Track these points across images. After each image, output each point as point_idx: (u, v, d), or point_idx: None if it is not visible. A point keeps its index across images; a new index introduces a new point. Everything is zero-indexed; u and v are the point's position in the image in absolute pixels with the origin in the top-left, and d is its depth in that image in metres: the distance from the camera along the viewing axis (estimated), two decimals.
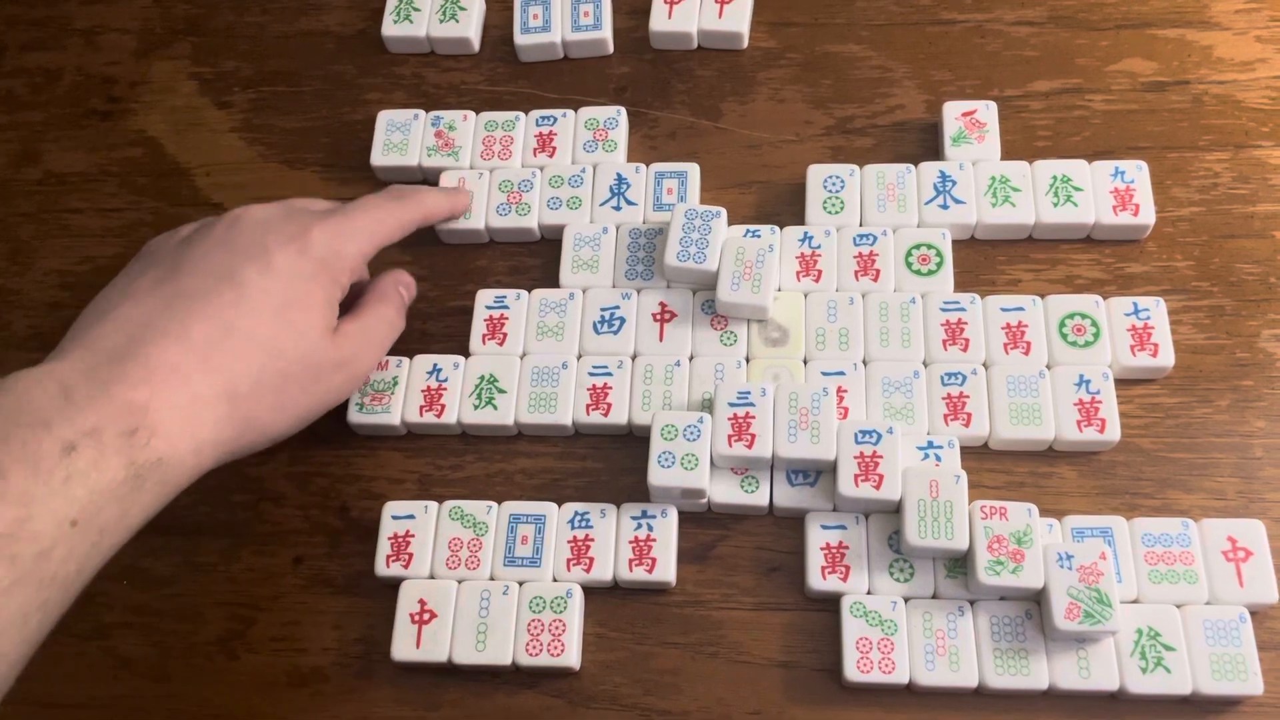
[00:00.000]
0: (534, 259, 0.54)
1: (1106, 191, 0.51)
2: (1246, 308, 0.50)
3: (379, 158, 0.56)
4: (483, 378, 0.50)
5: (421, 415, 0.50)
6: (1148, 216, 0.51)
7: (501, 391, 0.49)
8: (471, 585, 0.46)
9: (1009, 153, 0.54)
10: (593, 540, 0.47)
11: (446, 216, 0.53)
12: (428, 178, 0.56)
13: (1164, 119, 0.54)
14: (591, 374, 0.50)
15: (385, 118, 0.57)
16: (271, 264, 0.43)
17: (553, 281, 0.53)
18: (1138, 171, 0.51)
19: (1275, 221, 0.52)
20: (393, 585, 0.47)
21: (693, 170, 0.54)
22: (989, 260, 0.52)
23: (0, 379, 0.38)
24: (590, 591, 0.47)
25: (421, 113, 0.57)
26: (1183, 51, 0.56)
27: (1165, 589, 0.44)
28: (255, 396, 0.42)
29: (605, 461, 0.50)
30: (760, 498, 0.47)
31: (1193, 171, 0.53)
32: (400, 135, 0.56)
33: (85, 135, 0.60)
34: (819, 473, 0.47)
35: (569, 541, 0.47)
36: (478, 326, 0.51)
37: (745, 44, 0.58)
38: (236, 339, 0.42)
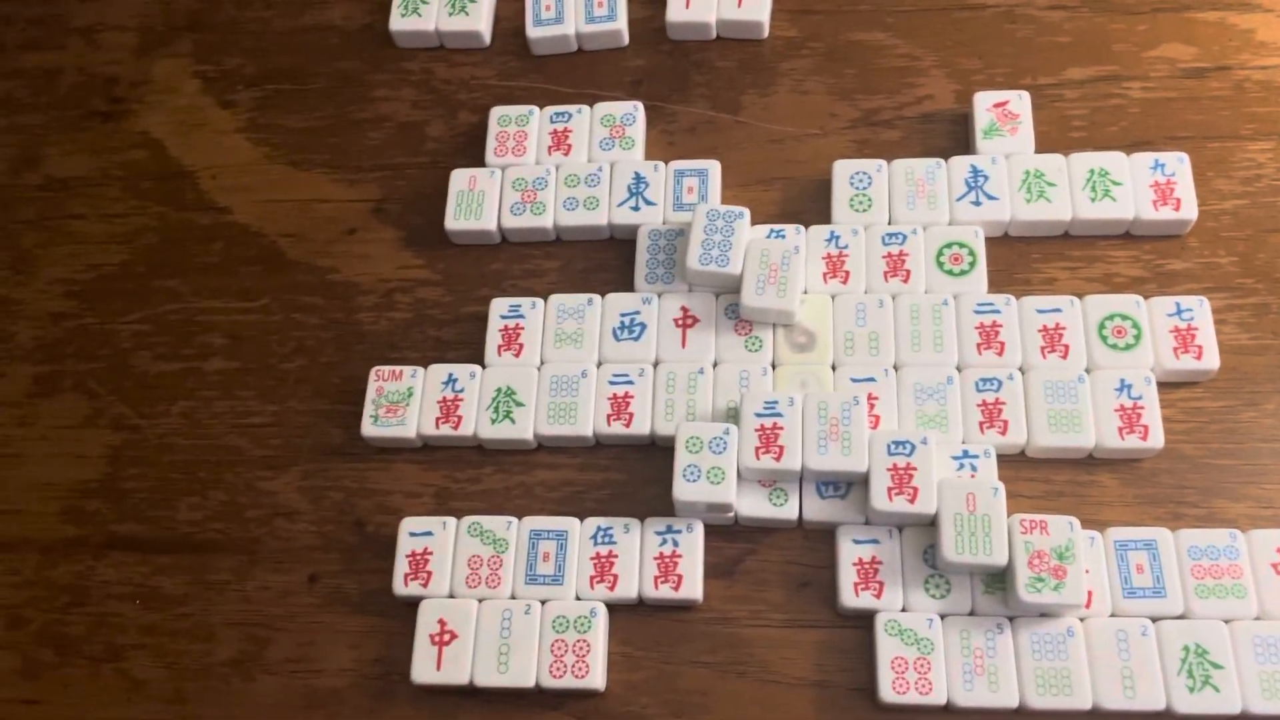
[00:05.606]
0: (550, 261, 0.53)
1: (1146, 185, 0.49)
2: None
3: None
4: (500, 390, 0.48)
5: (438, 427, 0.48)
6: (1190, 211, 0.49)
7: (520, 405, 0.48)
8: (492, 604, 0.45)
9: (1042, 144, 0.51)
10: (616, 557, 0.45)
11: None
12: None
13: (1205, 107, 0.52)
14: (612, 382, 0.48)
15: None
16: None
17: (570, 285, 0.51)
18: (1178, 164, 0.49)
19: None
20: (411, 603, 0.46)
21: (714, 168, 0.52)
22: (1023, 258, 0.50)
23: None
24: (615, 609, 0.45)
25: None
26: (1223, 35, 0.54)
27: (1213, 604, 0.42)
28: None
29: (627, 472, 0.48)
30: (789, 511, 0.45)
31: (1235, 162, 0.51)
32: None
33: (87, 138, 0.58)
34: (850, 484, 0.45)
35: (592, 558, 0.45)
36: (493, 338, 0.49)
37: (766, 33, 0.56)
38: None
